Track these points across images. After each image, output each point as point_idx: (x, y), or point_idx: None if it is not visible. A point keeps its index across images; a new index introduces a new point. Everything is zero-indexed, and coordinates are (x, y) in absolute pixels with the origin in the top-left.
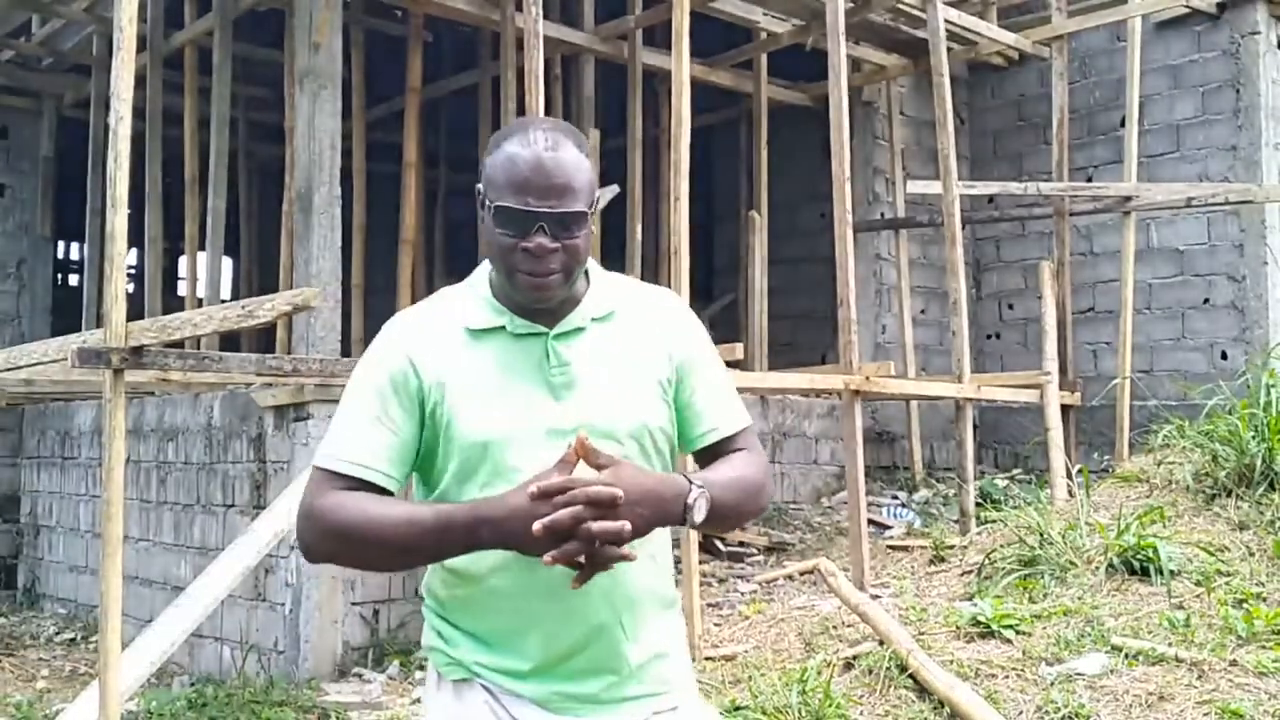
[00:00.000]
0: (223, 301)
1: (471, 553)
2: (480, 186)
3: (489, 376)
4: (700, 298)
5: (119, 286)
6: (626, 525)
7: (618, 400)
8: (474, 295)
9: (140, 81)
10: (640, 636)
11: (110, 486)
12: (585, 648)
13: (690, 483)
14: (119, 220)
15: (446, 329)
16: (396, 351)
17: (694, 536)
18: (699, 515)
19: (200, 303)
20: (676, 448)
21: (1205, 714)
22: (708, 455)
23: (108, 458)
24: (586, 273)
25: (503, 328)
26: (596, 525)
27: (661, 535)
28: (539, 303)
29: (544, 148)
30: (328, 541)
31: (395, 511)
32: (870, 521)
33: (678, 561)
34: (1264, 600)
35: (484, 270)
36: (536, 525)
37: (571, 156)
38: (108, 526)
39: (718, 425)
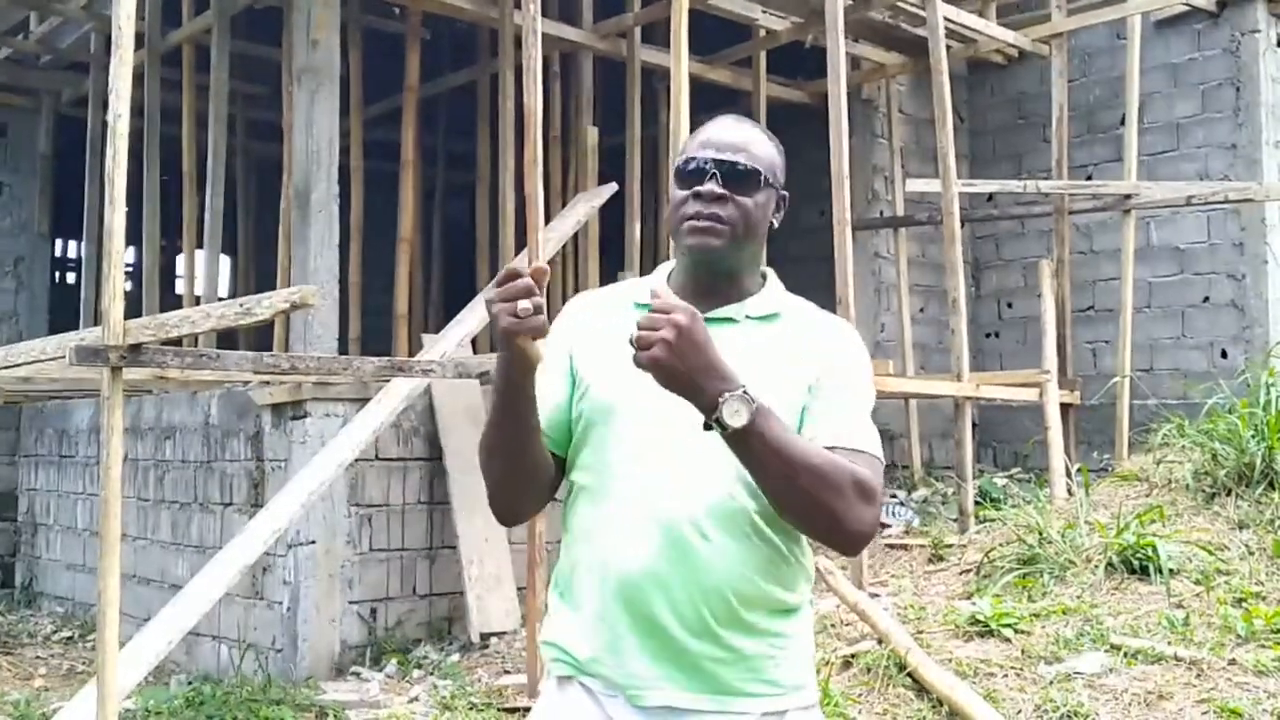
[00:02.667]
0: (220, 300)
1: (505, 380)
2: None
3: (623, 341)
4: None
5: (117, 284)
6: (528, 305)
7: None
8: (655, 276)
9: (138, 79)
10: (735, 628)
11: (108, 484)
12: (673, 625)
13: (744, 387)
14: (117, 218)
15: (618, 301)
16: (562, 320)
17: None
18: (731, 417)
19: (198, 301)
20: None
21: (1204, 713)
22: None
23: (105, 456)
24: (765, 277)
25: None
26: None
27: (780, 538)
28: (701, 253)
29: (732, 119)
30: (486, 482)
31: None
32: None
33: None
34: (1263, 599)
35: (671, 262)
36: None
37: (757, 133)
38: (106, 524)
39: (819, 435)
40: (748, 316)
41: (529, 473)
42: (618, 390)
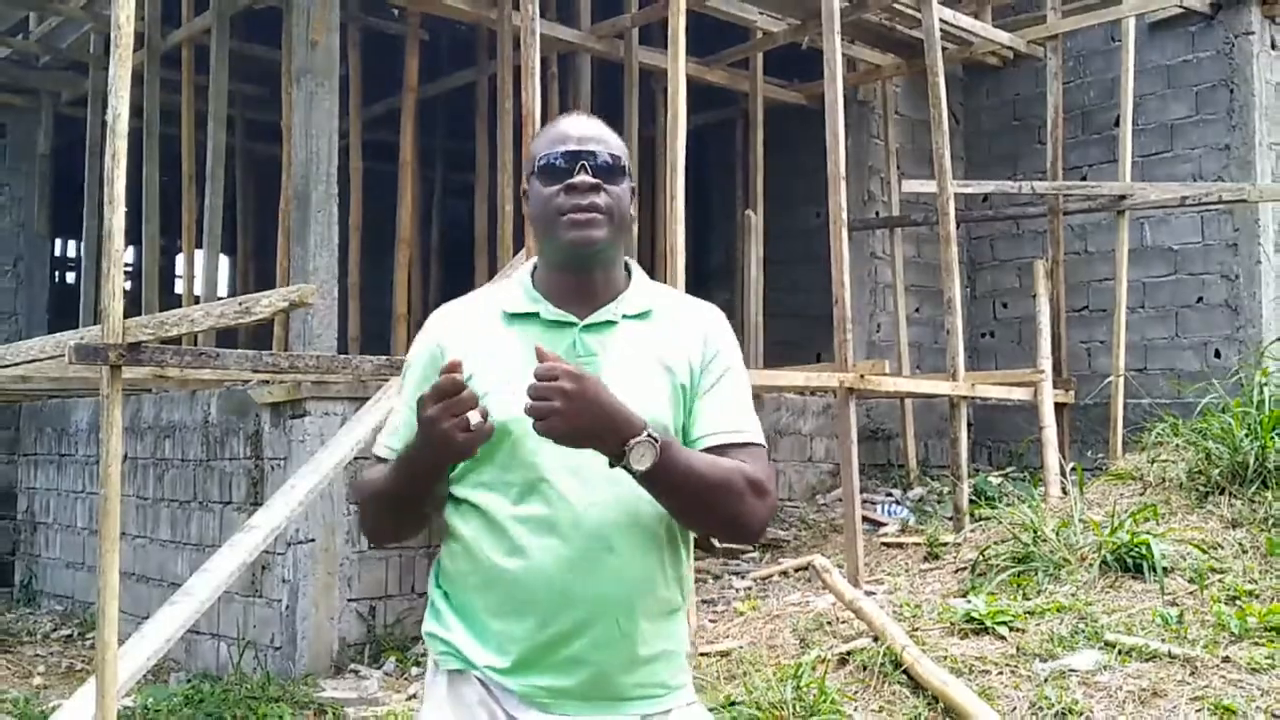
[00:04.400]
0: (220, 299)
1: (428, 469)
2: (525, 185)
3: (515, 360)
4: (695, 297)
5: (116, 283)
6: (479, 419)
7: (634, 397)
8: (516, 284)
9: (138, 79)
10: (636, 635)
11: (107, 483)
12: (578, 637)
13: (647, 429)
14: (116, 218)
15: (484, 313)
16: (428, 339)
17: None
18: (638, 462)
19: (197, 301)
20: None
21: (1198, 710)
22: None
23: (105, 454)
24: (629, 270)
25: (537, 314)
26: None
27: (673, 544)
28: (582, 246)
29: (578, 115)
30: (361, 513)
31: (380, 468)
32: (865, 519)
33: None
34: (1256, 597)
35: (529, 264)
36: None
37: (606, 126)
38: (105, 523)
39: (716, 431)
40: (624, 316)
41: (421, 517)
42: (514, 411)
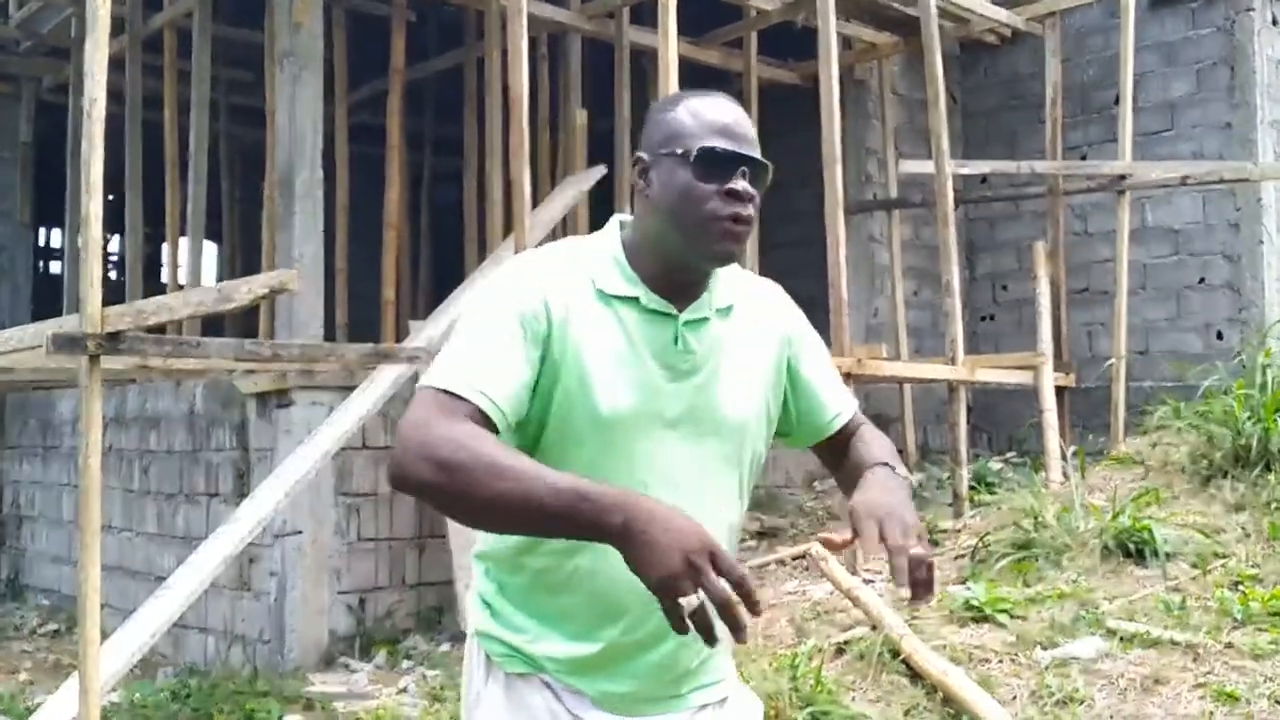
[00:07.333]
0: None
1: (584, 540)
2: (645, 155)
3: (621, 347)
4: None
5: (95, 271)
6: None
7: (728, 397)
8: (606, 255)
9: (119, 65)
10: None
11: (87, 475)
12: (664, 641)
13: (895, 469)
14: (94, 204)
15: (580, 282)
16: (531, 289)
17: None
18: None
19: (181, 289)
20: (769, 439)
21: (1200, 697)
22: (831, 444)
23: (84, 446)
24: None
25: (636, 299)
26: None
27: (735, 546)
28: (725, 259)
29: (729, 101)
30: (434, 473)
31: (523, 466)
32: None
33: None
34: (1260, 582)
35: (615, 230)
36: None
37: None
38: (85, 516)
39: (842, 410)
40: (715, 311)
41: None
42: (631, 402)
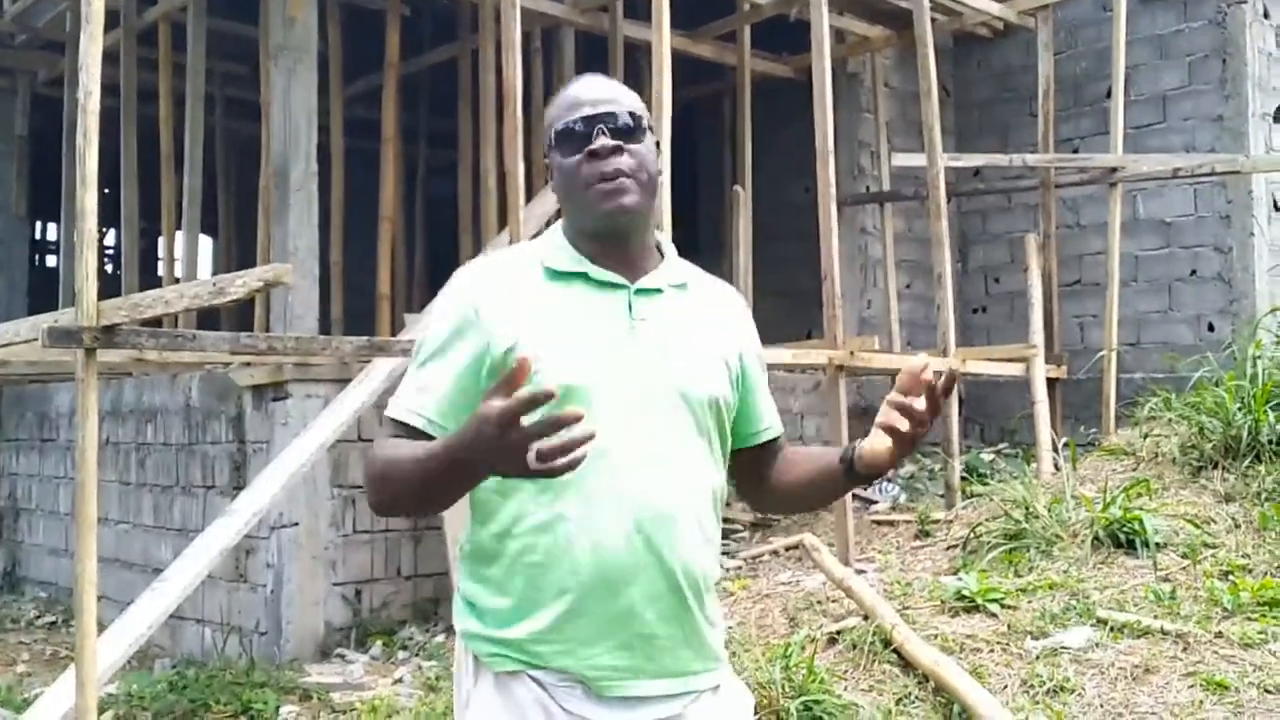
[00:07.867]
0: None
1: (483, 478)
2: (546, 159)
3: (572, 319)
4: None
5: (90, 264)
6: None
7: (696, 367)
8: (552, 243)
9: (114, 58)
10: (698, 606)
11: (83, 468)
12: (647, 609)
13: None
14: (89, 198)
15: (523, 271)
16: (462, 300)
17: None
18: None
19: (177, 282)
20: (732, 414)
21: (1190, 686)
22: (754, 454)
23: (81, 439)
24: (659, 246)
25: (584, 274)
26: None
27: (717, 516)
28: (617, 216)
29: (591, 77)
30: (372, 487)
31: (411, 452)
32: (855, 496)
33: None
34: (1249, 572)
35: (558, 224)
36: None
37: (618, 84)
38: (81, 508)
39: (772, 425)
40: (669, 285)
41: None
42: (583, 373)
